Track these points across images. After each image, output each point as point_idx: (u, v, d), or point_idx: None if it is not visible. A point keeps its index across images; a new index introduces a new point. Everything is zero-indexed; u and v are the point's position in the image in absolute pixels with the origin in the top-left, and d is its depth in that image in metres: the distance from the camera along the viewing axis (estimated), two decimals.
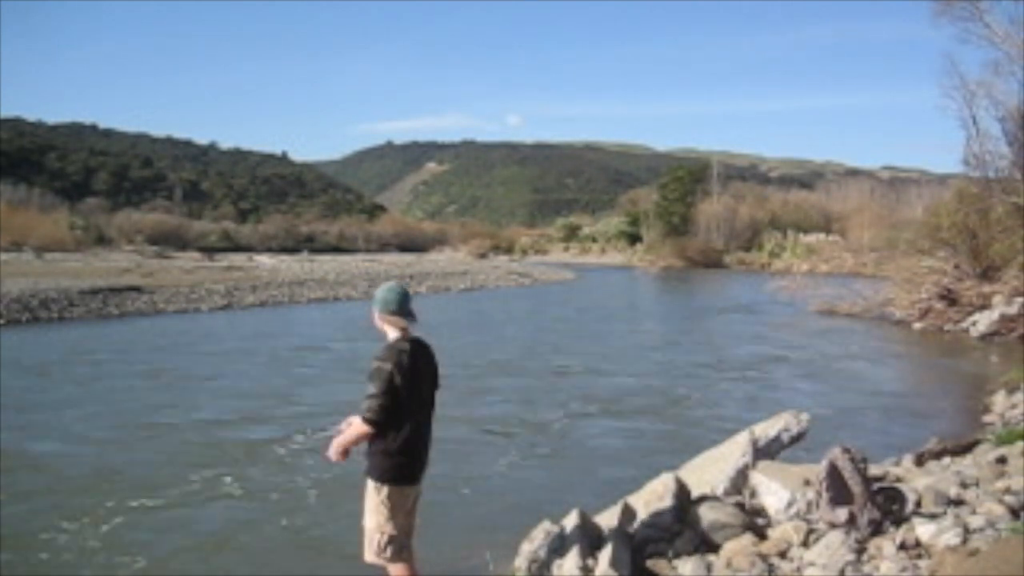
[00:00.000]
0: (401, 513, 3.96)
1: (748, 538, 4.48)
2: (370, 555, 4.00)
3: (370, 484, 3.96)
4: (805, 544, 4.32)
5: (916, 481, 5.29)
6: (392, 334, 3.98)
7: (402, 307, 3.96)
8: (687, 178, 74.01)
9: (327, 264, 53.59)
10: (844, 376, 14.22)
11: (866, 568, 3.89)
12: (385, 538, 3.93)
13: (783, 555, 4.29)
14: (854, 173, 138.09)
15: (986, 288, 21.03)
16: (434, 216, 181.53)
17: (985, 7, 21.26)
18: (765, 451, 5.69)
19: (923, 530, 4.10)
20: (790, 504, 4.81)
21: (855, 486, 4.27)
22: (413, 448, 3.95)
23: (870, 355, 17.09)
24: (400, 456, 3.91)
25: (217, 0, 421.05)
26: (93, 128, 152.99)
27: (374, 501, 3.94)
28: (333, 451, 3.96)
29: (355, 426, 3.90)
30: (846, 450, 4.42)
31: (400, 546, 3.96)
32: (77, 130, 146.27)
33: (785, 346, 18.00)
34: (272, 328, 20.96)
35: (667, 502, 4.82)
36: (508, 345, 17.80)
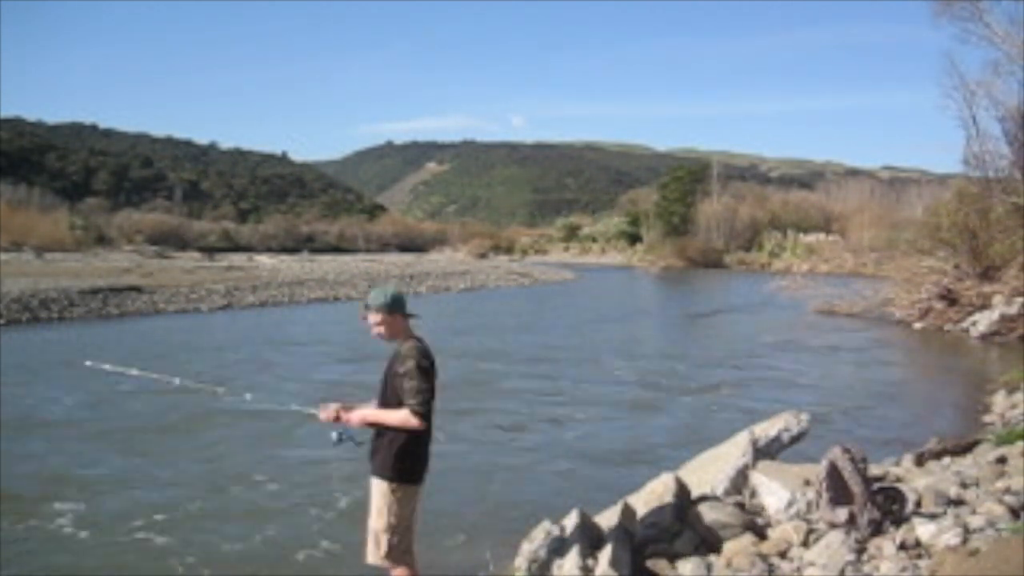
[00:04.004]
0: (412, 513, 3.93)
1: (748, 538, 4.48)
2: (375, 557, 3.93)
3: (384, 484, 3.87)
4: (805, 544, 4.33)
5: (916, 481, 5.29)
6: (407, 333, 3.95)
7: (406, 309, 3.98)
8: (687, 178, 73.96)
9: (327, 264, 53.55)
10: (844, 376, 14.22)
11: (866, 568, 3.89)
12: (396, 539, 3.87)
13: (783, 555, 4.29)
14: (854, 173, 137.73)
15: (986, 288, 21.01)
16: (434, 216, 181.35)
17: (985, 7, 21.28)
18: (765, 451, 5.69)
19: (923, 530, 4.10)
20: (790, 504, 4.82)
21: (855, 486, 4.27)
22: (426, 447, 3.95)
23: (870, 355, 17.08)
24: (418, 455, 3.89)
25: (217, 0, 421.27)
26: (93, 128, 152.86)
27: (388, 501, 3.86)
28: (356, 417, 3.90)
29: (401, 415, 3.74)
30: (846, 450, 4.42)
31: (408, 547, 3.93)
32: (77, 130, 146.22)
33: (785, 346, 18.00)
34: (271, 328, 20.96)
35: (667, 502, 4.82)
36: (507, 345, 17.79)
